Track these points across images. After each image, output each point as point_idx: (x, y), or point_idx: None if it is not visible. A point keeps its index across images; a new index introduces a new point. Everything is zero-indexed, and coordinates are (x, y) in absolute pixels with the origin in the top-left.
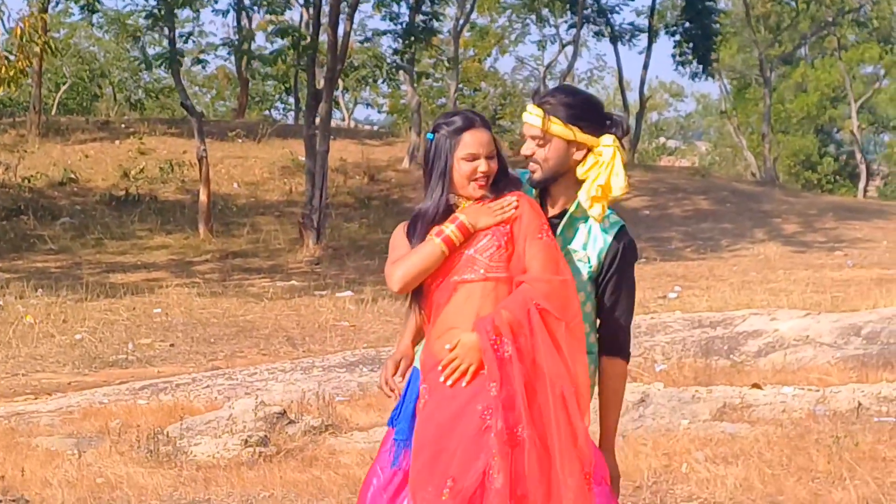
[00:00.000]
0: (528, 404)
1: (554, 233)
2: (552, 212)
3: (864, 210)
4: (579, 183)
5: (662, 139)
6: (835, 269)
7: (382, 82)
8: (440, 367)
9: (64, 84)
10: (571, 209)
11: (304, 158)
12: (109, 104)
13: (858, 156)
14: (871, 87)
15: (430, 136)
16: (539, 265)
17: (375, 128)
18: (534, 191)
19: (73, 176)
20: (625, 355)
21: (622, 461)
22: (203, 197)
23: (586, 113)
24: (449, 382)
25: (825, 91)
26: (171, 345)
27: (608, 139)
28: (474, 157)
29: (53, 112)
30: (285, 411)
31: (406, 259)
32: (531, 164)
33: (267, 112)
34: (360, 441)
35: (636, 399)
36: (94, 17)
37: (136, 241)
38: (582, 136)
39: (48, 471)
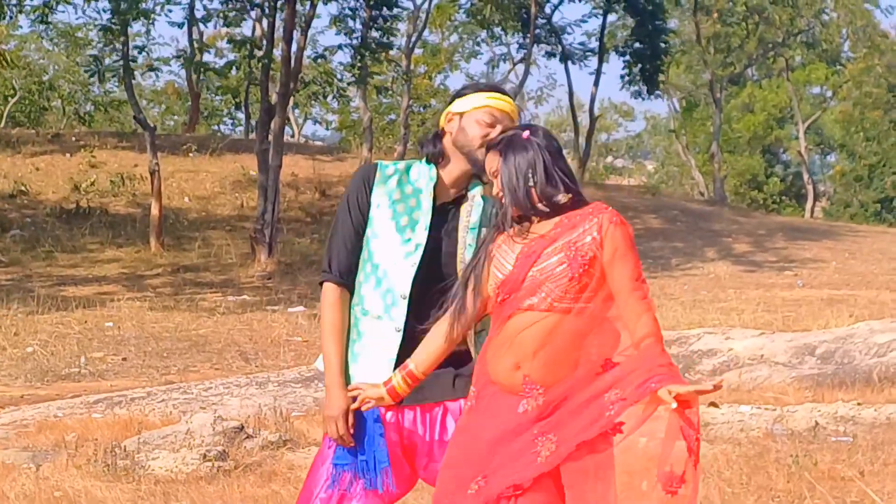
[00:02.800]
0: None
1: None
2: (445, 199)
3: (813, 230)
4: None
5: (610, 158)
6: (785, 288)
7: (332, 98)
8: None
9: (13, 97)
10: (475, 191)
11: (255, 173)
12: (58, 117)
13: (805, 176)
14: (820, 108)
15: None
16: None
17: (324, 143)
18: (434, 168)
19: (23, 188)
20: None
21: None
22: (155, 211)
23: None
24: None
25: (772, 111)
26: (124, 359)
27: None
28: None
29: (2, 124)
30: (243, 426)
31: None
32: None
33: (216, 127)
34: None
35: None
36: (45, 30)
37: (87, 254)
38: None
39: (5, 484)
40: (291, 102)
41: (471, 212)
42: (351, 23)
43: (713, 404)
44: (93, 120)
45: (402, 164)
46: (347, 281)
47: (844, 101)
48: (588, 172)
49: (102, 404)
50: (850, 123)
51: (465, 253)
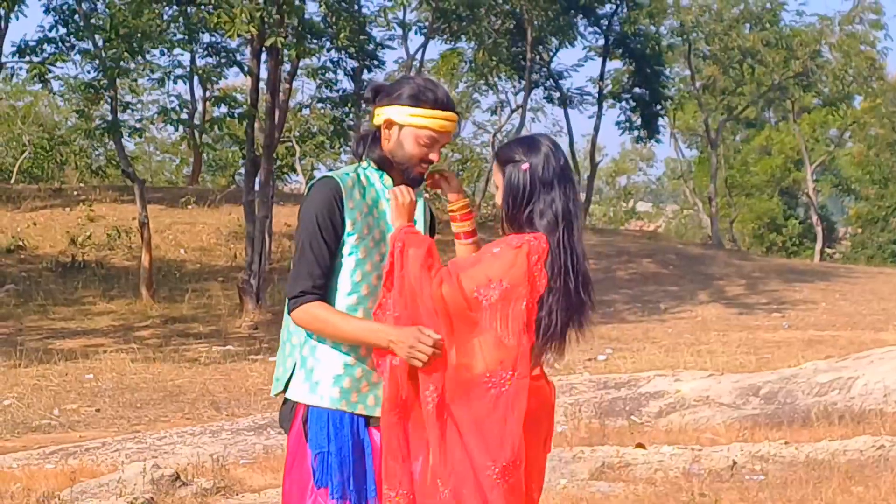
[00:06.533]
0: None
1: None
2: None
3: (809, 272)
4: None
5: (631, 202)
6: (770, 330)
7: (331, 147)
8: None
9: (24, 152)
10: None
11: None
12: (73, 171)
13: (815, 218)
14: (830, 150)
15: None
16: None
17: None
18: (385, 175)
19: (20, 243)
20: None
21: None
22: (145, 262)
23: None
24: None
25: (789, 154)
26: (97, 410)
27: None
28: None
29: (13, 180)
30: (178, 474)
31: None
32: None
33: (232, 177)
34: (248, 502)
35: None
36: (56, 85)
37: (81, 307)
38: None
39: None
40: (298, 153)
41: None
42: (332, 74)
43: (640, 445)
44: (106, 174)
45: (352, 172)
46: (326, 298)
47: (860, 142)
48: (606, 219)
49: (57, 455)
50: (868, 164)
51: None
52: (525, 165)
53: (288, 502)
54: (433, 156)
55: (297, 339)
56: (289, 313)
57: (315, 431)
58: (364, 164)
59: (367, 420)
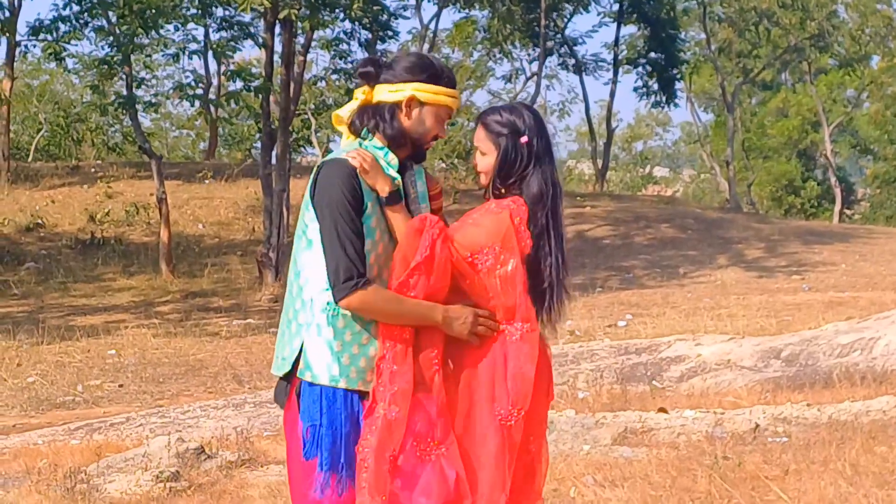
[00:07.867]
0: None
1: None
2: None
3: (829, 234)
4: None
5: (648, 168)
6: (789, 293)
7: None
8: None
9: (40, 130)
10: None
11: None
12: (89, 148)
13: (833, 179)
14: (848, 111)
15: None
16: None
17: None
18: (389, 153)
19: (39, 221)
20: None
21: None
22: (164, 238)
23: None
24: None
25: (806, 115)
26: (120, 385)
27: None
28: None
29: (30, 158)
30: (203, 447)
31: None
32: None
33: (249, 151)
34: (273, 474)
35: None
36: (71, 63)
37: (101, 283)
38: None
39: None
40: (314, 125)
41: (415, 183)
42: (345, 45)
43: (662, 410)
44: (123, 151)
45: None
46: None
47: (877, 102)
48: (623, 184)
49: (83, 430)
50: (886, 123)
51: None
52: (525, 139)
53: (294, 478)
54: (441, 132)
55: (303, 317)
56: (337, 301)
57: (307, 405)
58: (366, 141)
59: (361, 395)
